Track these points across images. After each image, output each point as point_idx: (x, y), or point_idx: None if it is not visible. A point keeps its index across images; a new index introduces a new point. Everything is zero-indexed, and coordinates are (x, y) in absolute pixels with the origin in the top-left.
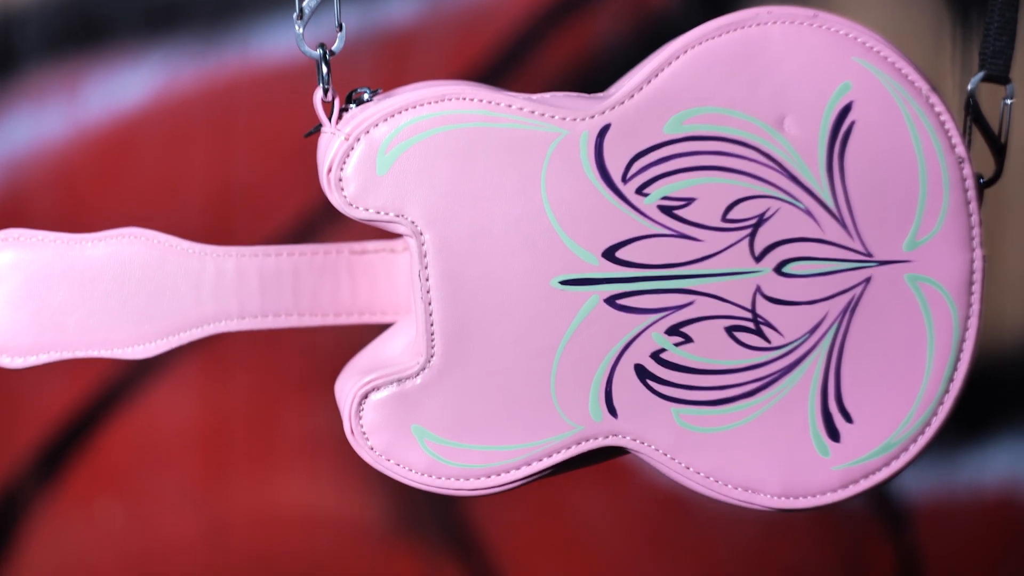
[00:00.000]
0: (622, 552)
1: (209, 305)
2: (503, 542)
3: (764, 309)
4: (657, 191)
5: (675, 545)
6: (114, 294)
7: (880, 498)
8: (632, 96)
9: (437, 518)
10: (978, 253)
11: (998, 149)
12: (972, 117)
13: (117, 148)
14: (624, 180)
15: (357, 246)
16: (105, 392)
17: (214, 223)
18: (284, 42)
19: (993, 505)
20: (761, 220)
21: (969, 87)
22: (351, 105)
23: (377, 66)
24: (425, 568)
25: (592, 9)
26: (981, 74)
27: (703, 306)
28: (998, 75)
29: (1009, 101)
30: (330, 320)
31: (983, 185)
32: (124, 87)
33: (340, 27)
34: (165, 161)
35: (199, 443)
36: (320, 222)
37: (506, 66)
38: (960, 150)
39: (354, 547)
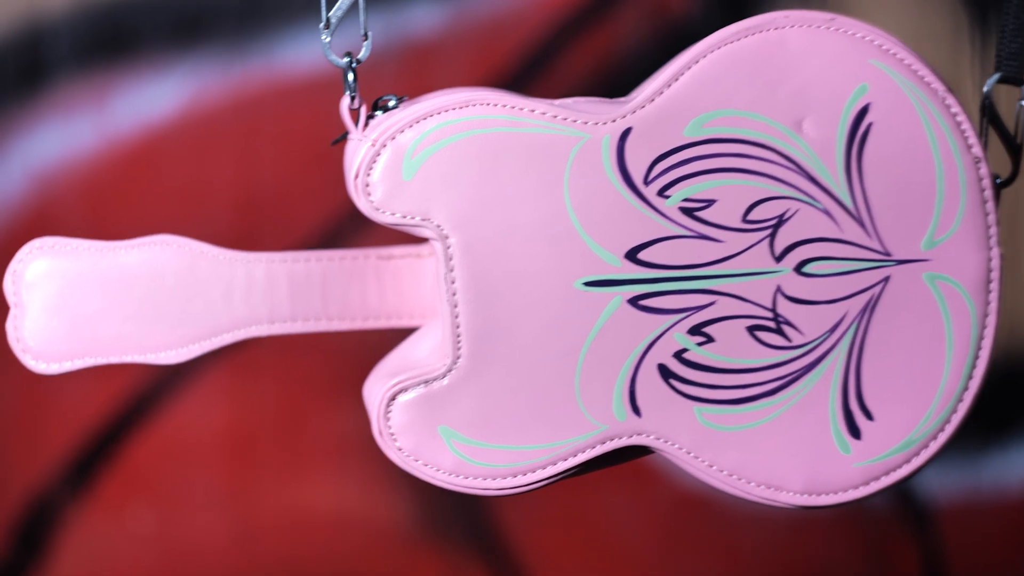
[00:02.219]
0: (646, 553)
1: (240, 310)
2: (528, 544)
3: (785, 308)
4: (678, 193)
5: (699, 546)
6: (147, 300)
7: (905, 498)
8: (653, 100)
9: (463, 520)
10: (995, 252)
11: (1014, 149)
12: (988, 118)
13: (145, 158)
14: (646, 183)
15: (384, 251)
16: (136, 399)
17: (241, 231)
18: (309, 52)
19: (1017, 505)
20: (781, 221)
21: (985, 88)
22: (377, 112)
23: (401, 74)
24: (451, 570)
25: (613, 16)
26: (997, 76)
27: (724, 306)
28: (1014, 77)
29: (1023, 102)
30: (358, 324)
31: (1000, 185)
32: (152, 98)
33: (366, 36)
34: (193, 171)
35: (228, 448)
36: (346, 229)
37: (529, 73)
38: (976, 150)
39: (381, 550)
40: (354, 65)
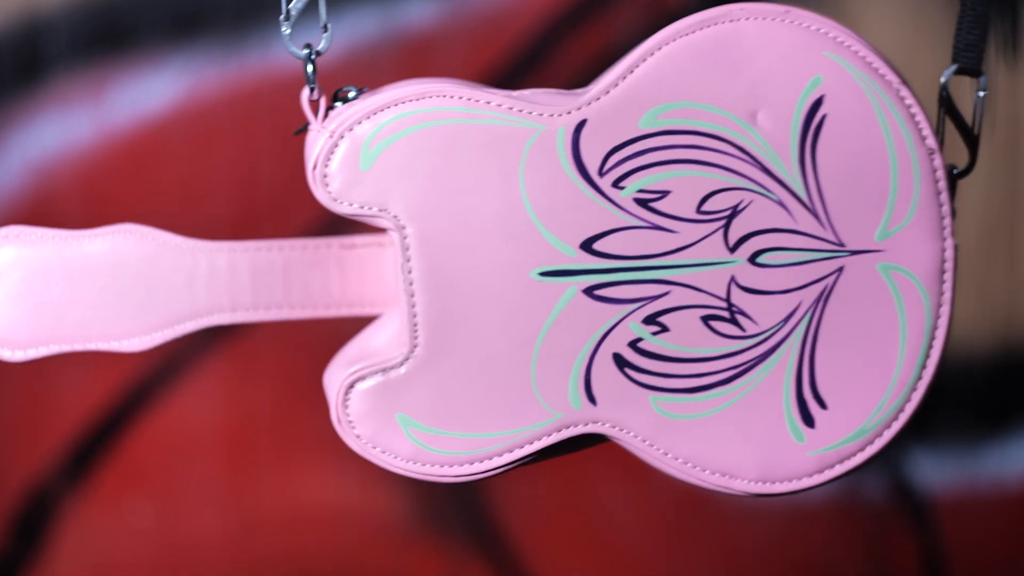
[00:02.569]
0: (646, 548)
1: (202, 299)
2: (528, 538)
3: (739, 298)
4: (633, 184)
5: (699, 541)
6: (110, 289)
7: (903, 492)
8: (608, 92)
9: (462, 515)
10: (949, 243)
11: (971, 141)
12: (945, 109)
13: (142, 151)
14: (600, 174)
15: (347, 240)
16: (133, 392)
17: (239, 224)
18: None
19: (1016, 499)
20: (735, 212)
21: (942, 80)
22: (337, 103)
23: (398, 69)
24: (450, 565)
25: (609, 10)
26: (954, 67)
27: (679, 296)
28: (970, 68)
29: (981, 94)
30: (320, 312)
31: (956, 176)
32: (149, 91)
33: (325, 28)
34: (190, 163)
35: (226, 442)
36: (342, 221)
37: (525, 67)
38: (931, 141)
39: (380, 544)
40: (313, 57)
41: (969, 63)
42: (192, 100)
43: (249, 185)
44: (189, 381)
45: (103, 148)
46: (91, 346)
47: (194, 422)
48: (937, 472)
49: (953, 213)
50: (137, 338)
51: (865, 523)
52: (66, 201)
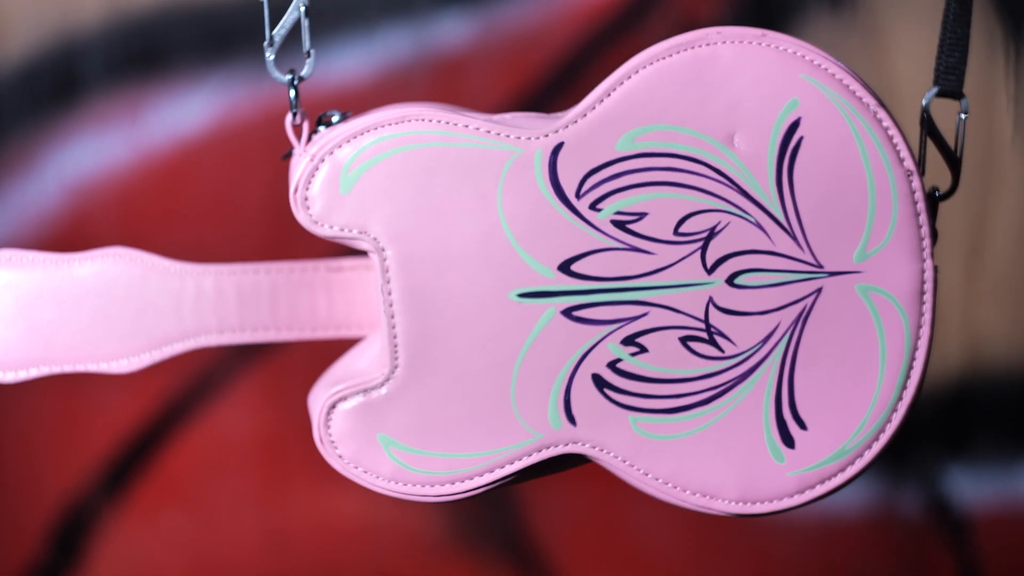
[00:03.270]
0: (678, 562)
1: (189, 321)
2: (561, 553)
3: (717, 319)
4: (610, 206)
5: (731, 555)
6: (99, 311)
7: (940, 508)
8: (585, 115)
9: (495, 528)
10: (929, 264)
11: (954, 163)
12: (927, 131)
13: (178, 171)
14: (578, 196)
15: (334, 263)
16: (170, 407)
17: (272, 243)
18: (339, 64)
19: None
20: (712, 233)
21: (923, 102)
22: (321, 127)
23: (431, 88)
24: None
25: (642, 28)
26: (935, 90)
27: (657, 317)
28: (951, 90)
29: (963, 116)
30: (307, 335)
31: (939, 198)
32: (184, 111)
33: (308, 54)
34: (224, 182)
35: (260, 455)
36: None
37: (558, 86)
38: (908, 163)
39: (413, 557)
40: (296, 83)
41: (950, 85)
42: (227, 120)
43: (283, 205)
44: (224, 397)
45: (138, 168)
46: (80, 367)
47: (229, 437)
48: (974, 489)
49: (934, 235)
50: (125, 359)
51: (901, 540)
52: (102, 220)
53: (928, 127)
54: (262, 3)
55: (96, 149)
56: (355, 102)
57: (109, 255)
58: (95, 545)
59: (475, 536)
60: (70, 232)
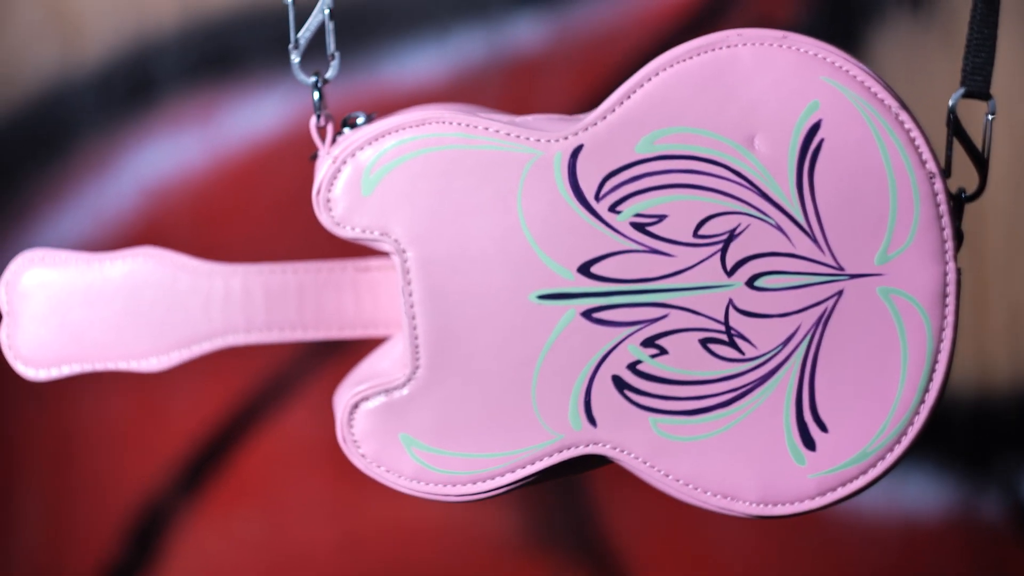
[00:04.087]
0: (755, 567)
1: (218, 320)
2: (636, 556)
3: (737, 322)
4: (629, 208)
5: (809, 560)
6: (129, 310)
7: (1021, 514)
8: (605, 117)
9: (570, 530)
10: (951, 266)
11: (981, 164)
12: (953, 132)
13: (251, 173)
14: (597, 198)
15: (361, 263)
16: (244, 408)
17: (346, 245)
18: (413, 66)
19: None
20: (732, 236)
21: (950, 103)
22: (346, 129)
23: (504, 90)
24: None
25: (717, 29)
26: (961, 91)
27: (677, 319)
28: (978, 91)
29: (990, 117)
30: (334, 334)
31: (965, 200)
32: (258, 114)
33: (333, 56)
34: (298, 183)
35: (334, 456)
36: None
37: None
38: (931, 165)
39: (487, 558)
40: (320, 85)
41: (976, 86)
42: (300, 122)
43: None
44: (297, 398)
45: (212, 170)
46: (111, 366)
47: (302, 437)
48: None
49: (960, 237)
50: (155, 358)
51: (981, 545)
52: (177, 222)
53: (954, 128)
54: (287, 5)
55: (171, 151)
56: (428, 103)
57: (140, 255)
58: (170, 543)
59: (549, 537)
60: (145, 233)
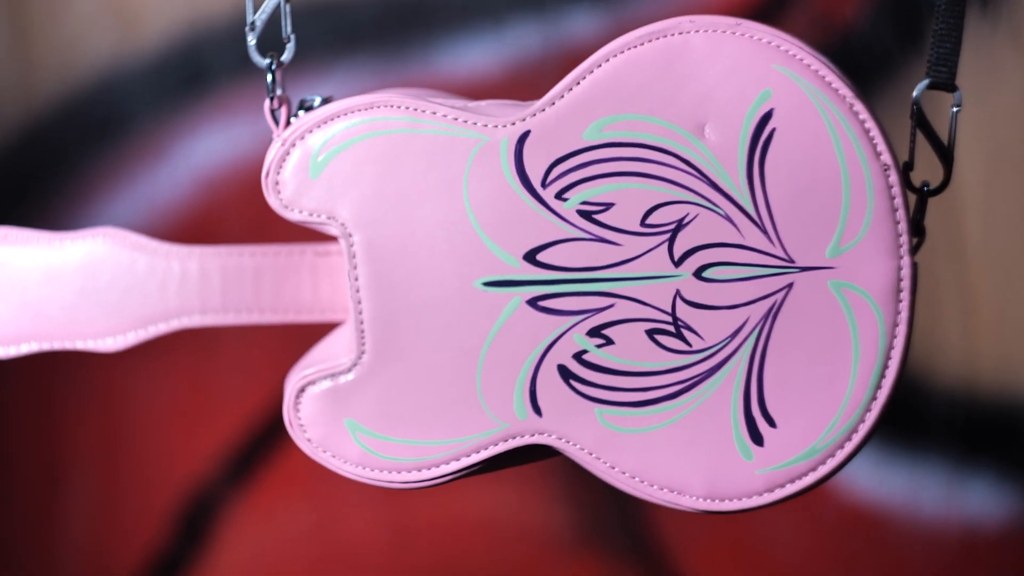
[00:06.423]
0: (809, 569)
1: (174, 301)
2: (688, 557)
3: (684, 313)
4: (576, 196)
5: (868, 566)
6: (87, 290)
7: None
8: (553, 103)
9: (622, 529)
10: (906, 261)
11: (946, 157)
12: (917, 124)
13: None
14: (544, 185)
15: (321, 247)
16: None
17: None
18: (467, 57)
19: None
20: (680, 225)
21: (914, 94)
22: (301, 112)
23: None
24: None
25: (778, 24)
26: (926, 81)
27: (623, 309)
28: (943, 83)
29: (955, 109)
30: (291, 318)
31: (928, 193)
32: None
33: (288, 39)
34: None
35: None
36: None
37: None
38: (886, 157)
39: (537, 553)
40: (274, 67)
41: (941, 77)
42: None
43: None
44: None
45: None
46: (69, 345)
47: None
48: None
49: (920, 231)
50: (111, 338)
51: None
52: (230, 210)
53: (918, 120)
54: None
55: (224, 140)
56: (483, 94)
57: (99, 235)
58: (219, 532)
59: (599, 533)
60: (199, 222)
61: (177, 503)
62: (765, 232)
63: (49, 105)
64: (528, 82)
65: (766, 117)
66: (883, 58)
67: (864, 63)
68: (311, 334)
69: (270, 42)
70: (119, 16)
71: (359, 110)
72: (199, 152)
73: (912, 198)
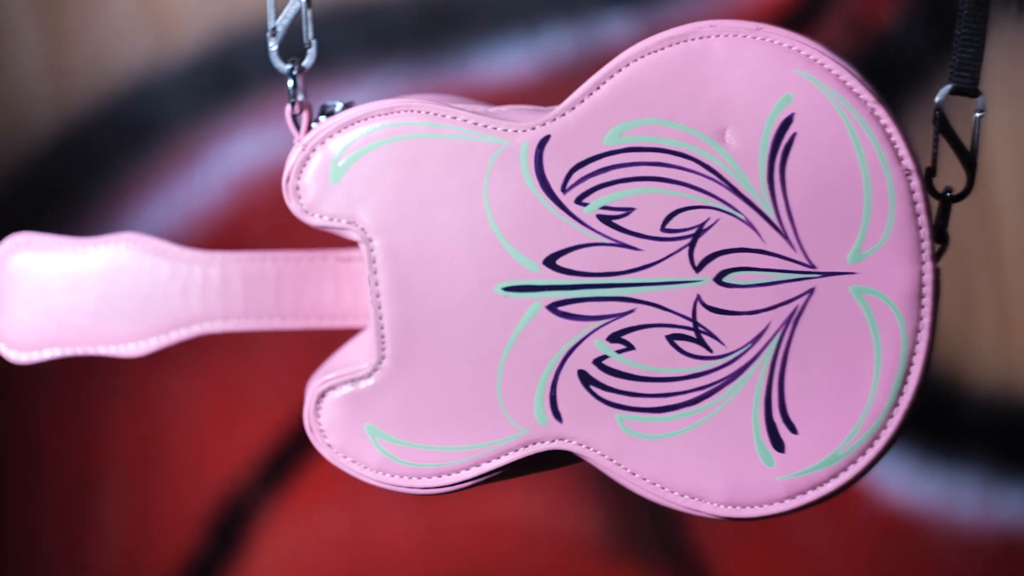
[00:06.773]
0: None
1: (196, 307)
2: (721, 562)
3: (705, 318)
4: (596, 201)
5: (903, 573)
6: (109, 295)
7: None
8: (573, 108)
9: (655, 534)
10: (928, 266)
11: (969, 162)
12: (939, 129)
13: None
14: (564, 190)
15: (343, 253)
16: None
17: None
18: (501, 62)
19: None
20: (701, 230)
21: (936, 99)
22: (322, 117)
23: None
24: None
25: (810, 31)
26: (949, 87)
27: (644, 314)
28: (966, 88)
29: (978, 114)
30: (312, 323)
31: (951, 199)
32: None
33: (309, 44)
34: None
35: None
36: None
37: None
38: (908, 162)
39: (571, 557)
40: (295, 72)
41: (964, 83)
42: None
43: None
44: None
45: None
46: (91, 351)
47: None
48: None
49: (944, 237)
50: (133, 343)
51: None
52: (264, 215)
53: (941, 125)
54: None
55: (258, 145)
56: (519, 99)
57: (121, 240)
58: (254, 536)
59: (634, 539)
60: (232, 226)
61: (211, 508)
62: (786, 237)
63: (83, 111)
64: (562, 86)
65: (787, 122)
66: (916, 63)
67: (898, 68)
68: (343, 340)
69: (293, 48)
70: (153, 22)
71: (379, 115)
72: (233, 157)
73: (935, 204)
